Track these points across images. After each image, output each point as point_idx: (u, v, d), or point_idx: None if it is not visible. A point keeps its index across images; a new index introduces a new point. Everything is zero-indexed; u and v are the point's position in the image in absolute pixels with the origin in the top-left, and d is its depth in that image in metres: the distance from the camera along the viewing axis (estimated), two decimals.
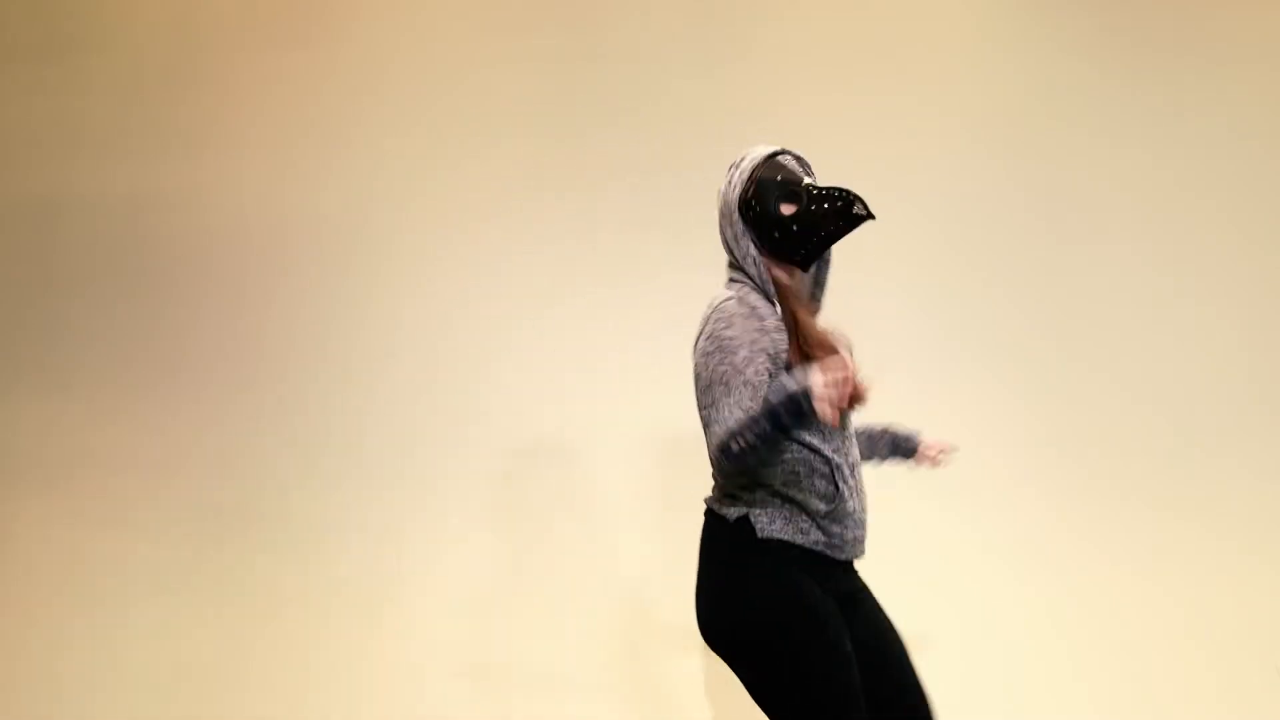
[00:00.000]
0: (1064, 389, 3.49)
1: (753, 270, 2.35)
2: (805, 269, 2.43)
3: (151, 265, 3.67)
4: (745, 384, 2.22)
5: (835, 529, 2.35)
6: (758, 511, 2.35)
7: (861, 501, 2.40)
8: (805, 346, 2.33)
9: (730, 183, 2.43)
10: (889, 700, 2.42)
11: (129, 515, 3.61)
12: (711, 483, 2.39)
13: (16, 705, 3.55)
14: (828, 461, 2.32)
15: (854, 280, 3.49)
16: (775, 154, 2.44)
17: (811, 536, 2.33)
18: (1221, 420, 3.46)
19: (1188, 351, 3.48)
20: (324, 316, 3.64)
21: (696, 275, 3.61)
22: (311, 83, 3.66)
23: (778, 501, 2.34)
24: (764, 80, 3.55)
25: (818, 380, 2.12)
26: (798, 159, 2.48)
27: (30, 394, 3.68)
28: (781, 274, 2.38)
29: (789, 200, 2.36)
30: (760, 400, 2.19)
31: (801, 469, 2.32)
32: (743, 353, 2.23)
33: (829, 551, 2.35)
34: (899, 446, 2.66)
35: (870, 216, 2.41)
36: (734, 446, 2.18)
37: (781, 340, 2.28)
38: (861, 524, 2.41)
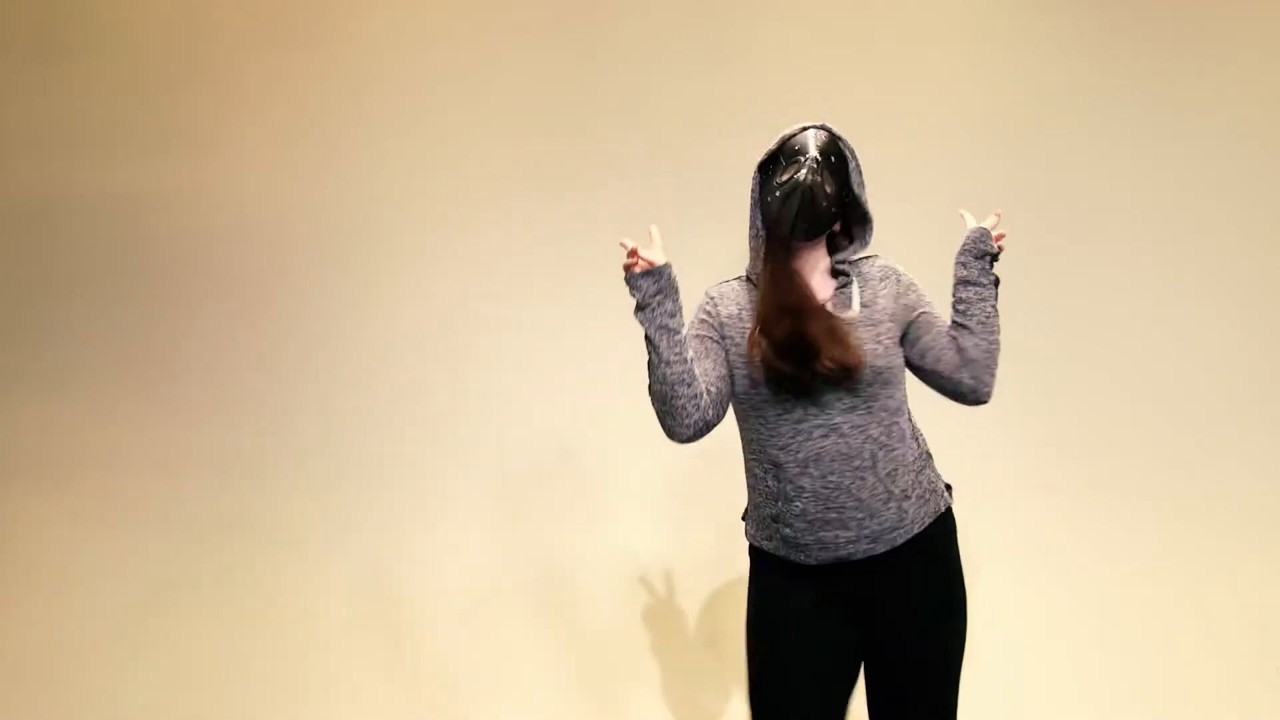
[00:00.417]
0: (1064, 389, 3.49)
1: (756, 243, 2.42)
2: (784, 244, 2.38)
3: (151, 265, 3.67)
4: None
5: (788, 531, 2.25)
6: (747, 518, 2.37)
7: (830, 501, 2.22)
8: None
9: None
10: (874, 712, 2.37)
11: (128, 515, 3.62)
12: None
13: (16, 705, 3.56)
14: (773, 461, 2.26)
15: None
16: (808, 126, 2.44)
17: (773, 541, 2.28)
18: (1222, 420, 3.46)
19: (1188, 351, 3.48)
20: (324, 316, 3.64)
21: (696, 274, 3.62)
22: (311, 83, 3.66)
23: (752, 506, 2.35)
24: (764, 80, 3.55)
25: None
26: (826, 132, 2.42)
27: (30, 394, 3.68)
28: (780, 251, 2.37)
29: (788, 168, 2.39)
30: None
31: (757, 469, 2.30)
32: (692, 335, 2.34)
33: (791, 556, 2.25)
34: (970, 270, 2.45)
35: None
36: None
37: (720, 315, 2.37)
38: (828, 524, 2.22)
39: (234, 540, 3.58)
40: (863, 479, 2.22)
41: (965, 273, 2.39)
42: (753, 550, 2.35)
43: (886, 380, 2.27)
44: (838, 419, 2.23)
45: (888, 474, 2.24)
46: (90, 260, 3.69)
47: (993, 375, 2.34)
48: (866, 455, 2.23)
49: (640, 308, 2.25)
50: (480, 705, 3.45)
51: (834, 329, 2.23)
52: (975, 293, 2.36)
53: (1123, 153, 3.52)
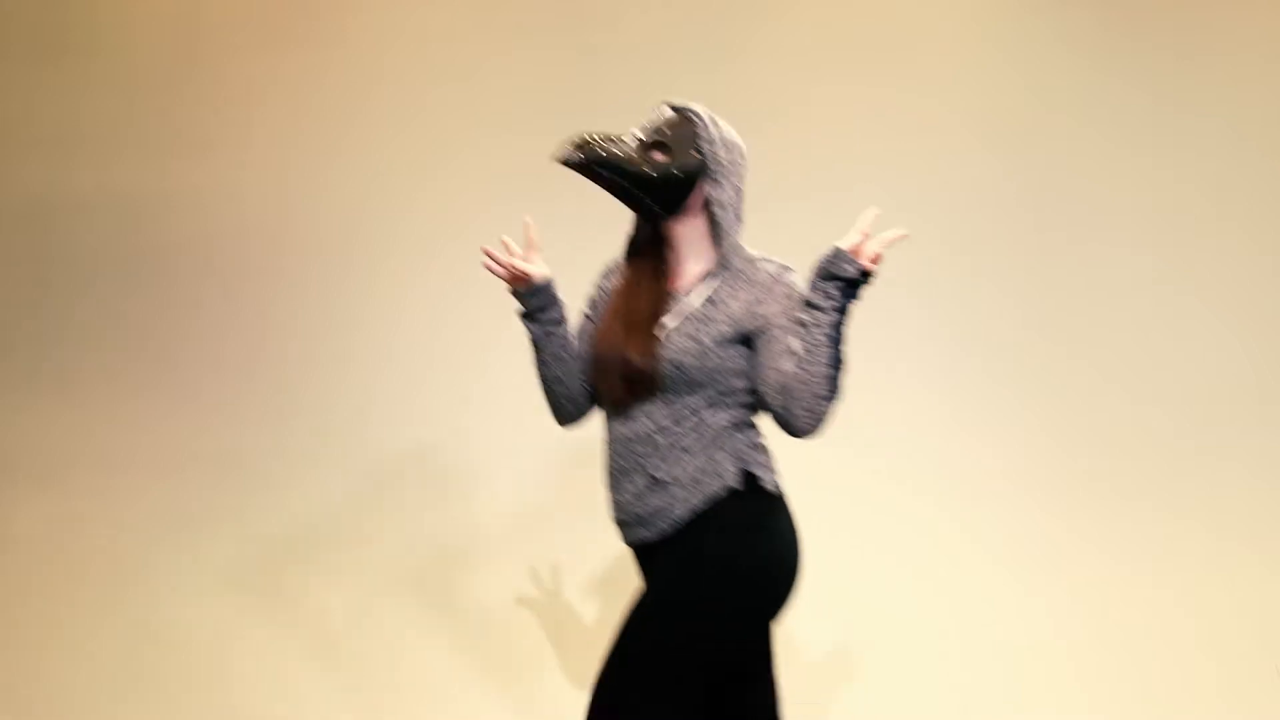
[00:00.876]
0: (1064, 389, 3.49)
1: None
2: (645, 221, 2.42)
3: (151, 265, 3.67)
4: None
5: (612, 509, 2.34)
6: None
7: (633, 485, 2.25)
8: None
9: None
10: None
11: (128, 515, 3.61)
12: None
13: (16, 705, 3.55)
14: (607, 440, 2.35)
15: None
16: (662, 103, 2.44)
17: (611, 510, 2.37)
18: (1222, 420, 3.46)
19: (1188, 351, 3.48)
20: (324, 316, 3.64)
21: None
22: (311, 83, 3.66)
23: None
24: (763, 79, 3.55)
25: None
26: (671, 115, 2.41)
27: (29, 394, 3.68)
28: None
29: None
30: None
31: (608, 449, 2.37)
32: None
33: (620, 533, 2.35)
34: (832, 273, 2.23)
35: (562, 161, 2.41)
36: None
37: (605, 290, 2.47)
38: (625, 509, 2.28)
39: (235, 540, 3.57)
40: (642, 465, 2.25)
41: (809, 293, 2.18)
42: None
43: (690, 379, 2.23)
44: (640, 407, 2.27)
45: (671, 467, 2.23)
46: (90, 260, 3.69)
47: (807, 410, 2.15)
48: (649, 443, 2.25)
49: (525, 316, 2.39)
50: (494, 708, 3.45)
51: (636, 340, 2.27)
52: (811, 316, 2.16)
53: (1123, 152, 3.52)
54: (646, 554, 2.31)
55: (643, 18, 3.59)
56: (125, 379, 3.65)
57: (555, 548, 3.49)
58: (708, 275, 2.32)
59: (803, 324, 2.16)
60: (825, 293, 2.16)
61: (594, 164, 2.31)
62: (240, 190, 3.66)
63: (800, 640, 3.40)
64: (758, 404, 2.28)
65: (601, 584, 3.48)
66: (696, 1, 3.60)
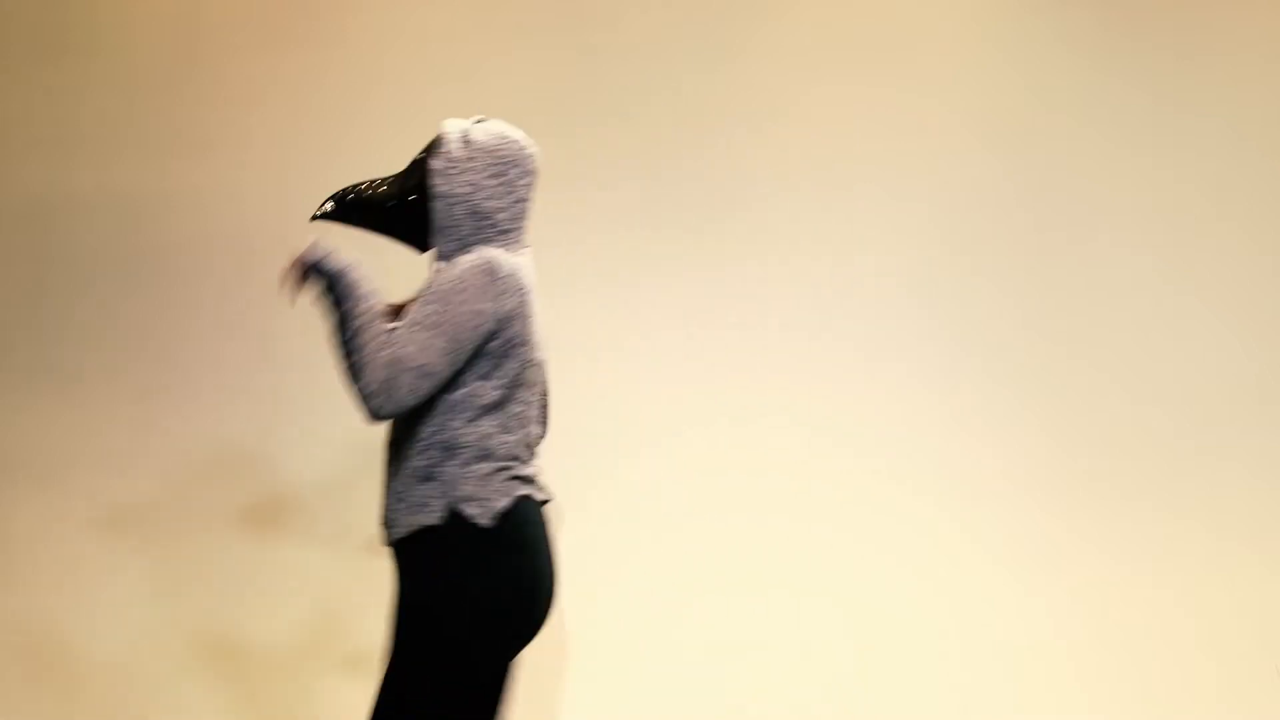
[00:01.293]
0: (1064, 388, 3.49)
1: None
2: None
3: (151, 265, 3.67)
4: None
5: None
6: None
7: (387, 476, 2.30)
8: None
9: None
10: None
11: (128, 516, 3.61)
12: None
13: (16, 705, 3.55)
14: None
15: (854, 278, 3.52)
16: None
17: None
18: (1222, 420, 3.46)
19: (1188, 351, 3.48)
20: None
21: (695, 273, 3.62)
22: (311, 83, 3.66)
23: None
24: (763, 79, 3.55)
25: None
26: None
27: (29, 394, 3.67)
28: None
29: None
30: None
31: None
32: None
33: None
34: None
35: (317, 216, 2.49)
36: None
37: None
38: (384, 503, 2.31)
39: (235, 541, 3.57)
40: (393, 468, 2.28)
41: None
42: None
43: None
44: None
45: (411, 464, 2.24)
46: (90, 260, 3.68)
47: (354, 394, 2.20)
48: (398, 444, 2.28)
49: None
50: None
51: None
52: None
53: (1123, 152, 3.52)
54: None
55: (643, 18, 3.59)
56: (125, 379, 3.65)
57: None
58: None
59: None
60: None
61: (341, 213, 2.44)
62: (240, 190, 3.66)
63: (800, 640, 3.41)
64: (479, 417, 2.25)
65: (591, 580, 3.48)
66: (696, 1, 3.59)
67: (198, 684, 3.54)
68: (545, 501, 2.34)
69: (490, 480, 2.23)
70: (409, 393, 2.16)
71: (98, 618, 3.59)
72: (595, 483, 3.47)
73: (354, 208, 2.41)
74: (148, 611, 3.58)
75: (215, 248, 3.66)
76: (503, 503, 2.22)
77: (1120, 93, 3.52)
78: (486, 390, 2.23)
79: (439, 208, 2.35)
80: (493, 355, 2.24)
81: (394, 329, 2.20)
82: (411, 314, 2.22)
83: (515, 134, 2.43)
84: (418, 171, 2.40)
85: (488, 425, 2.24)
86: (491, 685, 2.32)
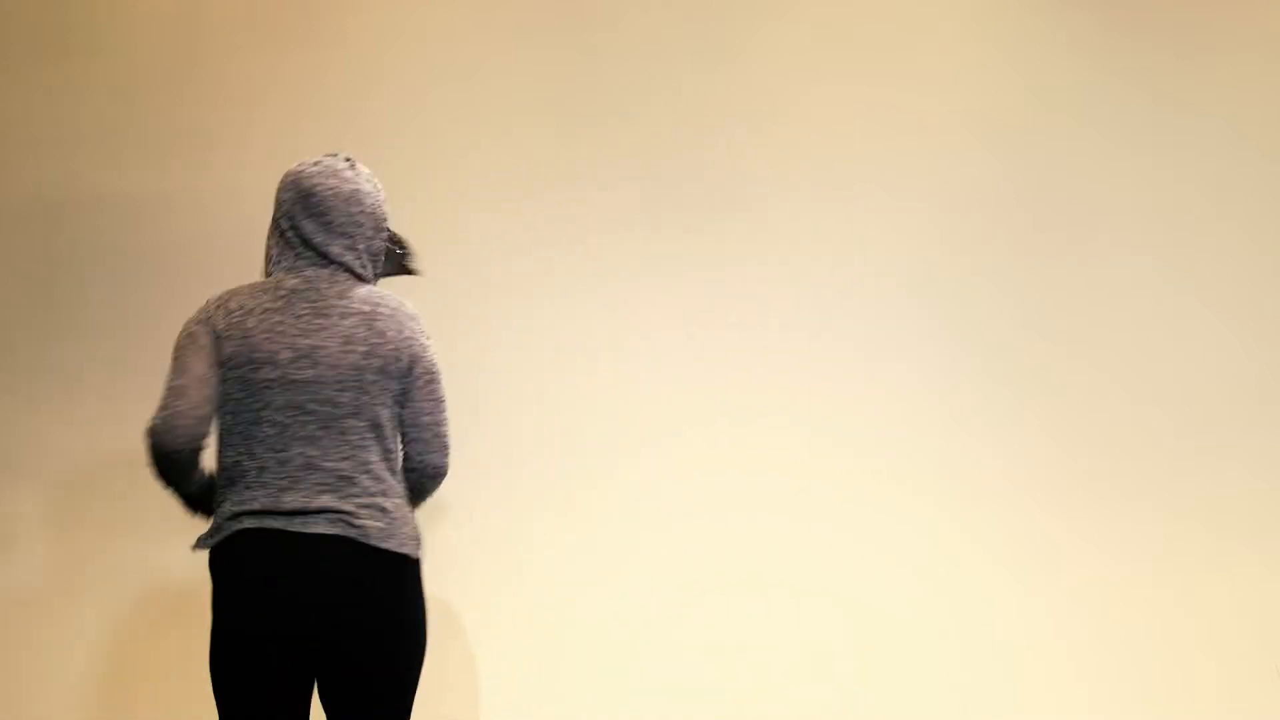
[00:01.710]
0: (1064, 389, 3.49)
1: (376, 272, 2.49)
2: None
3: (152, 265, 3.66)
4: None
5: None
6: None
7: None
8: None
9: (381, 192, 2.50)
10: None
11: (129, 516, 3.61)
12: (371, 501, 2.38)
13: (17, 705, 3.55)
14: None
15: (854, 278, 3.52)
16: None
17: None
18: (1222, 420, 3.46)
19: (1188, 351, 3.48)
20: None
21: (695, 272, 3.62)
22: (311, 83, 3.66)
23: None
24: (763, 79, 3.55)
25: None
26: None
27: (29, 394, 3.67)
28: None
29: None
30: None
31: None
32: None
33: None
34: None
35: (416, 272, 2.65)
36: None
37: None
38: None
39: None
40: None
41: None
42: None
43: None
44: None
45: None
46: (90, 260, 3.68)
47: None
48: None
49: None
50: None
51: None
52: None
53: (1123, 152, 3.52)
54: None
55: (643, 18, 3.59)
56: (125, 379, 3.64)
57: (541, 542, 3.49)
58: None
59: None
60: None
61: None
62: (240, 190, 3.65)
63: (800, 640, 3.41)
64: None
65: (592, 582, 3.47)
66: (696, 1, 3.59)
67: (197, 683, 3.54)
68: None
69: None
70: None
71: (98, 618, 3.59)
72: (595, 483, 3.47)
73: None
74: (148, 611, 3.58)
75: (215, 248, 3.65)
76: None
77: (1120, 93, 3.51)
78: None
79: None
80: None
81: None
82: None
83: (292, 168, 2.53)
84: None
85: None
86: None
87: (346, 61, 3.65)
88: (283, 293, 2.36)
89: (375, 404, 2.32)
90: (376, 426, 2.32)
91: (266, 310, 2.33)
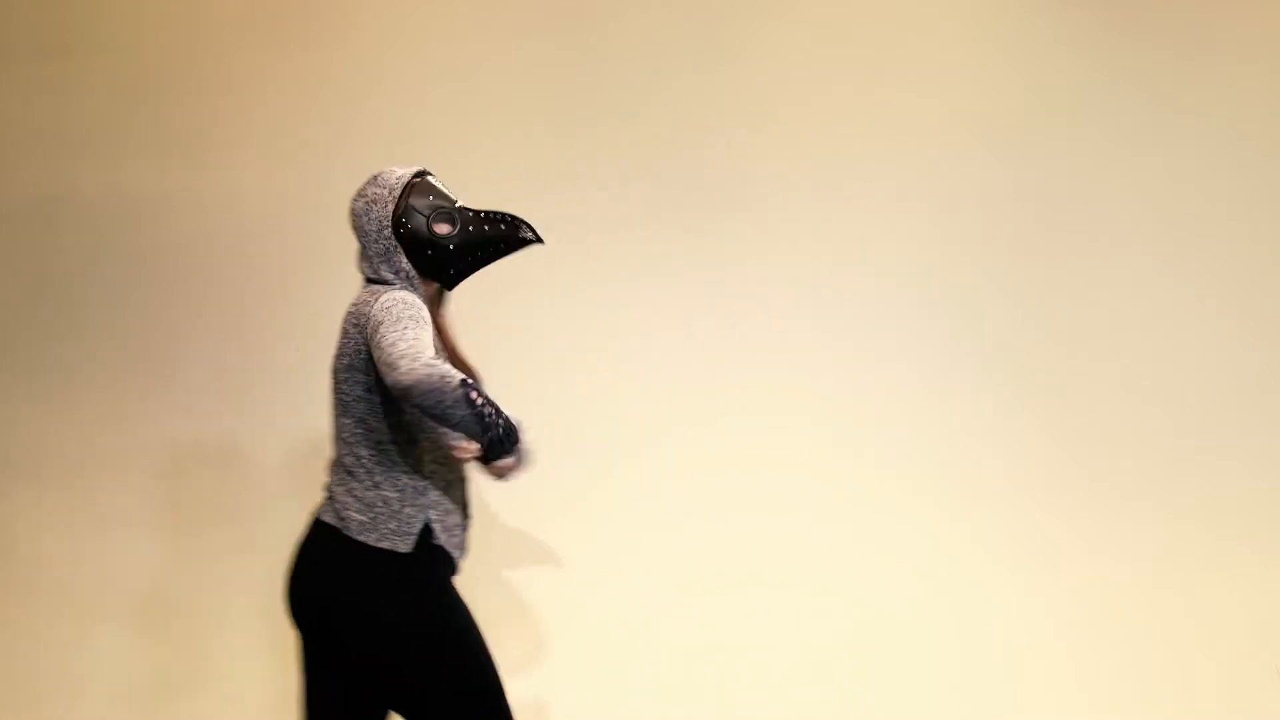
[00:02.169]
0: (1064, 389, 3.49)
1: (407, 284, 2.42)
2: (450, 288, 2.50)
3: (153, 265, 3.67)
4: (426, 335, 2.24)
5: (464, 536, 2.45)
6: (434, 516, 2.38)
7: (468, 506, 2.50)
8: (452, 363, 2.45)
9: (374, 200, 2.46)
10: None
11: (129, 517, 3.61)
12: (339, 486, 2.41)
13: (16, 705, 3.56)
14: (452, 467, 2.43)
15: (855, 279, 3.52)
16: (422, 174, 2.50)
17: (453, 546, 2.42)
18: (1222, 420, 3.46)
19: (1188, 351, 3.48)
20: (323, 317, 3.63)
21: (696, 273, 3.61)
22: (311, 83, 3.66)
23: (440, 512, 2.40)
24: (763, 79, 3.55)
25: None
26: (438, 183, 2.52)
27: (29, 395, 3.68)
28: (429, 291, 2.46)
29: (444, 221, 2.43)
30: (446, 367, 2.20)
31: (448, 475, 2.40)
32: (424, 327, 2.27)
33: (458, 558, 2.45)
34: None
35: (539, 240, 2.55)
36: (475, 398, 2.18)
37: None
38: (467, 540, 2.50)
39: (236, 542, 3.57)
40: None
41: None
42: (438, 554, 2.39)
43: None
44: None
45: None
46: (91, 260, 3.68)
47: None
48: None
49: (501, 441, 2.27)
50: None
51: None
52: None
53: (1123, 152, 3.52)
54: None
55: (643, 18, 3.59)
56: (125, 379, 3.65)
57: (537, 543, 3.49)
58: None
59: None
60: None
61: None
62: (240, 190, 3.66)
63: (800, 640, 3.41)
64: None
65: (594, 583, 3.48)
66: (696, 1, 3.60)
67: (198, 681, 3.54)
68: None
69: None
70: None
71: (98, 617, 3.59)
72: (595, 483, 3.48)
73: None
74: (148, 610, 3.59)
75: (215, 248, 3.66)
76: None
77: (1120, 93, 3.52)
78: None
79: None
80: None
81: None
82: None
83: None
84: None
85: None
86: None
87: (346, 61, 3.65)
88: None
89: (351, 399, 2.37)
90: (362, 420, 2.35)
91: None
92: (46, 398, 3.67)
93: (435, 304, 2.50)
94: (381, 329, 2.22)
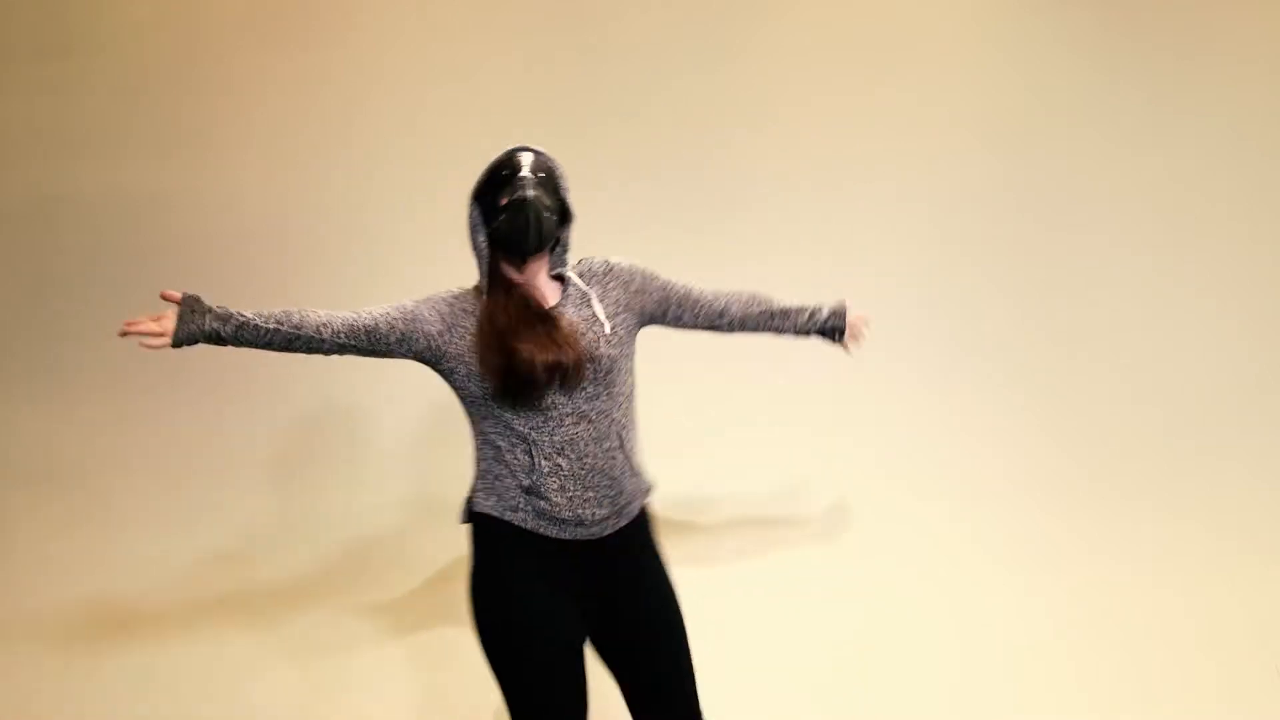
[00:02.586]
0: (1064, 389, 3.49)
1: (477, 261, 2.47)
2: (522, 259, 2.44)
3: (153, 265, 3.67)
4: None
5: (544, 505, 2.37)
6: (480, 491, 2.44)
7: (588, 481, 2.38)
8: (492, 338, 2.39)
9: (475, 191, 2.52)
10: (643, 692, 2.53)
11: (130, 517, 3.62)
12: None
13: (16, 705, 3.56)
14: (523, 437, 2.37)
15: (855, 278, 3.52)
16: (514, 150, 2.51)
17: (522, 512, 2.39)
18: (1222, 420, 3.46)
19: (1188, 351, 3.48)
20: None
21: (696, 273, 3.63)
22: (312, 83, 3.66)
23: (492, 478, 2.42)
24: (763, 79, 3.55)
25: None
26: (531, 152, 2.51)
27: (29, 395, 3.68)
28: (510, 268, 2.45)
29: (506, 190, 2.43)
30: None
31: (501, 442, 2.40)
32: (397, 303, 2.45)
33: (542, 529, 2.38)
34: (825, 328, 2.79)
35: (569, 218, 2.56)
36: None
37: (426, 326, 2.46)
38: (586, 503, 2.38)
39: (236, 542, 3.58)
40: (614, 459, 2.40)
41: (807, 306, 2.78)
42: (489, 522, 2.42)
43: (621, 368, 2.42)
44: (584, 407, 2.37)
45: (631, 449, 2.43)
46: (91, 260, 3.69)
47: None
48: (614, 436, 2.40)
49: (207, 337, 2.37)
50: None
51: (551, 335, 2.36)
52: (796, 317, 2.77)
53: (1123, 152, 3.53)
54: (579, 548, 2.42)
55: (642, 18, 3.60)
56: (125, 379, 3.65)
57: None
58: (567, 285, 2.47)
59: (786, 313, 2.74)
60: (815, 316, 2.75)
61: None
62: (240, 190, 3.66)
63: (801, 640, 3.41)
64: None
65: None
66: (696, 1, 3.60)
67: (199, 680, 3.55)
68: None
69: None
70: None
71: (98, 617, 3.59)
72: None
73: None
74: (148, 610, 3.59)
75: (215, 248, 3.66)
76: None
77: (1120, 93, 3.52)
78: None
79: (569, 219, 2.53)
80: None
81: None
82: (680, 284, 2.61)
83: None
84: (545, 187, 2.47)
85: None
86: None
87: (346, 61, 3.65)
88: None
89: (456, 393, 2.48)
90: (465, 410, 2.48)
91: None
92: (46, 398, 3.67)
93: (525, 278, 2.50)
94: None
